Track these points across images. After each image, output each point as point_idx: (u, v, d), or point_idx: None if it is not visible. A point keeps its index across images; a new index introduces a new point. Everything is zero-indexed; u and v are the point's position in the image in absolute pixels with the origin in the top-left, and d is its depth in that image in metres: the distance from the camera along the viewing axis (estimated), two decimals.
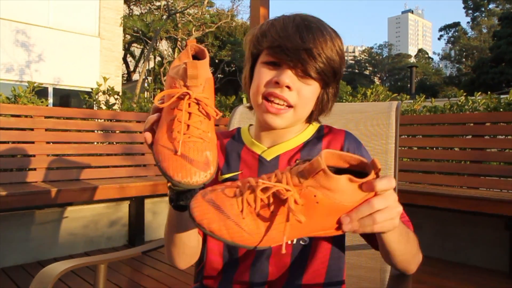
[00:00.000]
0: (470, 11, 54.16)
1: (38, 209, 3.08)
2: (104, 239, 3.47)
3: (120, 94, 4.17)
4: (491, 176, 3.12)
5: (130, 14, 17.88)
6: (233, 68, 21.27)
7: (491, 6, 51.06)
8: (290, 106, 0.87)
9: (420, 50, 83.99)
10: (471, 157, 3.20)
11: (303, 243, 0.91)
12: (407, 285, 0.90)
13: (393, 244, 0.76)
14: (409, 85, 21.43)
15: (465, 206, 2.74)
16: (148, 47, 15.37)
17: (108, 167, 3.34)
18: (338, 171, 0.61)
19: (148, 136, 0.71)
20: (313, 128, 0.98)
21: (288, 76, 0.84)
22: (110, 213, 3.53)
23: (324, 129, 0.98)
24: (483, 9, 52.77)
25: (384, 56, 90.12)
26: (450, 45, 60.09)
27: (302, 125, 0.97)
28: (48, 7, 11.92)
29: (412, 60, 79.35)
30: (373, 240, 0.92)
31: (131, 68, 21.76)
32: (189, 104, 0.70)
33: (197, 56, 0.79)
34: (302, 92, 0.86)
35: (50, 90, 11.78)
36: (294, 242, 0.90)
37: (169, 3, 14.62)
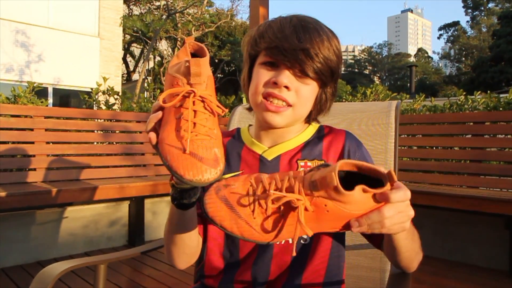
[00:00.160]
0: (470, 10, 54.18)
1: (38, 209, 3.08)
2: (104, 239, 3.48)
3: (120, 94, 4.17)
4: (491, 175, 3.12)
5: (130, 14, 17.88)
6: (233, 68, 21.27)
7: (490, 5, 51.07)
8: (289, 105, 0.87)
9: (419, 49, 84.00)
10: (470, 156, 3.20)
11: (303, 242, 0.91)
12: (406, 285, 0.90)
13: (400, 241, 0.78)
14: (408, 84, 21.43)
15: (465, 206, 2.74)
16: (147, 47, 15.37)
17: (108, 167, 3.34)
18: (350, 173, 0.61)
19: (153, 136, 0.71)
20: (313, 128, 0.98)
21: (286, 76, 0.85)
22: (110, 213, 3.53)
23: (325, 129, 0.99)
24: (482, 8, 52.78)
25: (383, 55, 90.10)
26: (449, 44, 60.10)
27: (301, 125, 0.97)
28: (48, 7, 11.91)
29: (412, 59, 79.37)
30: (375, 239, 0.92)
31: (131, 68, 21.76)
32: (194, 102, 0.70)
33: (195, 54, 0.79)
34: (301, 91, 0.87)
35: (50, 90, 11.78)
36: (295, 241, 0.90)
37: (169, 3, 14.61)
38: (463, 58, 55.17)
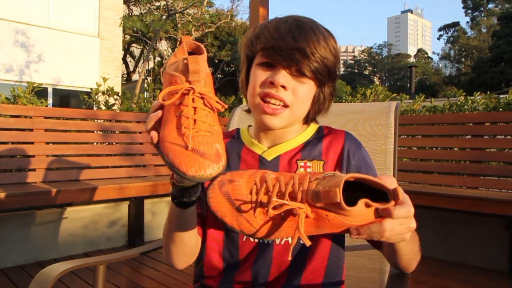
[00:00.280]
0: (470, 11, 54.21)
1: (37, 209, 3.08)
2: (104, 240, 3.47)
3: (120, 94, 4.17)
4: (490, 176, 3.12)
5: (130, 14, 17.88)
6: (233, 68, 21.29)
7: (490, 5, 51.11)
8: (286, 105, 0.87)
9: (419, 50, 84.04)
10: (470, 157, 3.20)
11: (302, 242, 0.91)
12: (406, 285, 0.91)
13: (401, 246, 0.78)
14: (408, 85, 21.44)
15: (465, 206, 2.74)
16: (147, 47, 15.38)
17: (107, 167, 3.33)
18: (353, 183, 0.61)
19: (154, 135, 0.71)
20: (312, 128, 0.98)
21: (283, 76, 0.85)
22: (110, 213, 3.52)
23: (324, 130, 0.99)
24: (482, 9, 52.82)
25: (383, 56, 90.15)
26: (449, 44, 60.14)
27: (300, 126, 0.97)
28: (48, 8, 11.91)
29: (412, 60, 79.41)
30: (374, 240, 0.92)
31: (131, 68, 21.75)
32: (193, 99, 0.70)
33: (193, 53, 0.79)
34: (298, 91, 0.87)
35: (50, 91, 11.77)
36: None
37: (169, 3, 14.62)
38: (463, 59, 55.20)
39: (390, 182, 0.61)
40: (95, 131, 3.44)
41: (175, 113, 0.70)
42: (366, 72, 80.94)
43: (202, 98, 0.71)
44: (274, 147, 0.95)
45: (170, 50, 18.07)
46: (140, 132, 3.61)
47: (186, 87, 0.70)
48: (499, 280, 2.83)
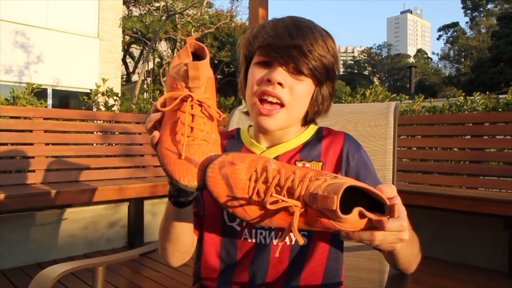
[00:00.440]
0: (469, 11, 54.23)
1: (37, 210, 3.08)
2: (104, 241, 3.47)
3: (119, 95, 4.16)
4: (490, 176, 3.12)
5: (129, 15, 17.89)
6: (232, 69, 21.28)
7: (489, 6, 51.14)
8: (282, 105, 0.87)
9: (419, 50, 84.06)
10: (470, 157, 3.20)
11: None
12: (405, 286, 0.91)
13: (398, 250, 0.78)
14: (408, 85, 21.45)
15: (464, 206, 2.74)
16: (147, 48, 15.37)
17: (107, 168, 3.33)
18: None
19: (156, 134, 0.72)
20: (311, 129, 0.98)
21: (280, 73, 0.85)
22: (110, 214, 3.52)
23: (323, 131, 0.98)
24: (481, 9, 52.84)
25: (383, 56, 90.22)
26: (449, 45, 60.19)
27: (299, 127, 0.97)
28: (47, 8, 11.91)
29: (411, 60, 79.43)
30: None
31: (130, 69, 21.75)
32: (191, 106, 0.70)
33: (196, 53, 0.79)
34: (295, 89, 0.86)
35: (49, 92, 11.77)
36: (293, 242, 0.90)
37: (168, 4, 14.62)
38: (462, 59, 55.23)
39: (390, 191, 0.61)
40: (95, 132, 3.44)
41: (173, 118, 0.71)
42: (366, 73, 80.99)
43: (200, 105, 0.71)
44: (273, 148, 0.95)
45: (170, 51, 18.06)
46: (139, 133, 3.61)
47: (185, 94, 0.69)
48: (499, 280, 2.83)
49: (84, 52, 12.51)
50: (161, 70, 14.88)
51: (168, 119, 0.72)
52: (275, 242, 0.90)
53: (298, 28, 0.85)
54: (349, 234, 0.62)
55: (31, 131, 3.02)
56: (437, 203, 2.87)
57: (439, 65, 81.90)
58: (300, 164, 0.92)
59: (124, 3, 16.68)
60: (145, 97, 5.12)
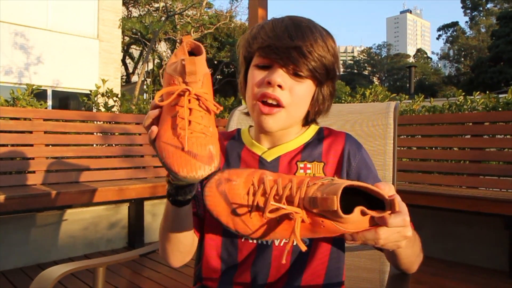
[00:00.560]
0: (469, 11, 54.27)
1: (37, 212, 3.08)
2: (104, 241, 3.47)
3: (119, 96, 4.16)
4: (490, 175, 3.12)
5: (129, 15, 17.89)
6: (232, 69, 21.27)
7: (489, 5, 51.17)
8: (282, 106, 0.86)
9: (418, 50, 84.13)
10: (470, 157, 3.20)
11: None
12: (406, 286, 0.91)
13: (400, 250, 0.78)
14: (408, 85, 21.46)
15: (465, 206, 2.74)
16: (147, 49, 15.38)
17: (107, 169, 3.33)
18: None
19: (154, 129, 0.72)
20: (312, 130, 0.98)
21: (280, 75, 0.84)
22: (110, 215, 3.52)
23: (324, 131, 0.98)
24: (481, 9, 52.87)
25: (383, 56, 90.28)
26: (448, 44, 60.24)
27: (300, 127, 0.97)
28: (47, 9, 11.91)
29: (411, 60, 79.48)
30: None
31: (130, 70, 21.75)
32: (189, 100, 0.71)
33: (193, 52, 0.80)
34: (295, 90, 0.86)
35: (49, 93, 11.77)
36: (294, 243, 0.90)
37: (168, 4, 14.62)
38: (462, 59, 55.25)
39: (388, 189, 0.61)
40: (95, 133, 3.44)
41: (171, 113, 0.71)
42: (366, 73, 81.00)
43: (197, 99, 0.72)
44: (274, 148, 0.95)
45: (170, 52, 18.07)
46: (139, 134, 3.61)
47: (182, 88, 0.70)
48: (499, 280, 2.83)
49: (84, 53, 12.51)
50: (160, 71, 14.90)
51: (166, 114, 0.73)
52: (276, 242, 0.90)
53: (298, 29, 0.84)
54: (353, 235, 0.62)
55: (31, 132, 3.02)
56: (437, 203, 2.87)
57: (439, 65, 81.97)
58: (301, 165, 0.92)
59: (124, 4, 16.69)
60: (145, 97, 5.12)
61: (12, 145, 2.95)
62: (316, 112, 0.94)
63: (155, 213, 3.78)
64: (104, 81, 4.03)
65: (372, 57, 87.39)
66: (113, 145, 3.49)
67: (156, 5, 16.07)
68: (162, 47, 18.65)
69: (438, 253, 3.30)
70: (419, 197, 2.93)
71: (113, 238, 3.53)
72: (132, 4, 18.25)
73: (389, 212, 0.59)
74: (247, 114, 0.98)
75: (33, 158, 2.97)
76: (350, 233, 0.62)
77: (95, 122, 3.50)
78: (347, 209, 0.59)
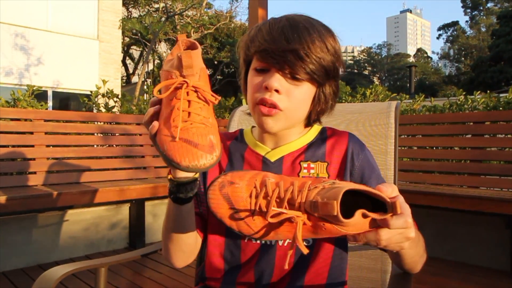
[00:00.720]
0: (469, 10, 54.26)
1: (38, 212, 3.08)
2: (105, 242, 3.47)
3: (120, 96, 4.17)
4: (491, 175, 3.12)
5: (129, 16, 17.90)
6: (232, 70, 21.26)
7: (489, 4, 51.15)
8: (280, 109, 0.85)
9: (419, 50, 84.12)
10: (471, 156, 3.20)
11: (306, 244, 0.91)
12: (408, 286, 0.90)
13: (403, 250, 0.78)
14: (408, 85, 21.45)
15: (466, 206, 2.73)
16: (147, 49, 15.38)
17: (108, 169, 3.33)
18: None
19: (155, 123, 0.72)
20: (315, 130, 0.98)
21: (276, 80, 0.83)
22: (111, 215, 3.52)
23: (327, 131, 0.98)
24: (481, 8, 52.86)
25: (383, 56, 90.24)
26: (449, 44, 60.21)
27: (303, 127, 0.97)
28: (47, 10, 11.92)
29: (411, 59, 79.46)
30: None
31: (130, 71, 21.76)
32: (187, 92, 0.72)
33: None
34: (292, 94, 0.85)
35: (50, 93, 11.78)
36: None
37: (168, 5, 14.63)
38: (463, 58, 55.23)
39: (390, 191, 0.61)
40: (95, 134, 3.44)
41: (170, 107, 0.72)
42: (366, 72, 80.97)
43: (196, 91, 0.72)
44: (277, 148, 0.94)
45: (170, 52, 18.05)
46: (140, 134, 3.61)
47: (180, 80, 0.71)
48: (500, 279, 2.83)
49: (84, 54, 12.52)
50: (161, 71, 14.90)
51: (165, 109, 0.73)
52: (280, 243, 0.90)
53: (294, 30, 0.83)
54: (355, 236, 0.62)
55: (31, 133, 3.02)
56: (438, 203, 2.86)
57: (439, 64, 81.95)
58: (305, 165, 0.91)
59: (124, 4, 16.70)
60: (145, 98, 5.12)
61: (13, 146, 2.95)
62: (319, 112, 0.93)
63: (156, 213, 3.78)
64: (104, 81, 4.04)
65: (372, 57, 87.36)
66: (114, 145, 3.50)
67: (156, 5, 16.08)
68: (162, 47, 18.67)
69: (439, 253, 3.30)
70: (420, 196, 2.92)
71: (114, 239, 3.53)
72: (132, 5, 18.26)
73: (391, 214, 0.59)
74: (249, 114, 0.98)
75: (34, 159, 2.98)
76: (351, 235, 0.62)
77: (96, 122, 3.50)
78: (349, 210, 0.59)
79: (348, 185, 0.59)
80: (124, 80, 20.65)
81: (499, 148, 3.14)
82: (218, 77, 19.99)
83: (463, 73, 48.99)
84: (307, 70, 0.83)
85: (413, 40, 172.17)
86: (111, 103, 3.99)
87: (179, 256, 0.92)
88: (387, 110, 1.27)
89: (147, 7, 17.01)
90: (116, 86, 12.77)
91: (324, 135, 0.96)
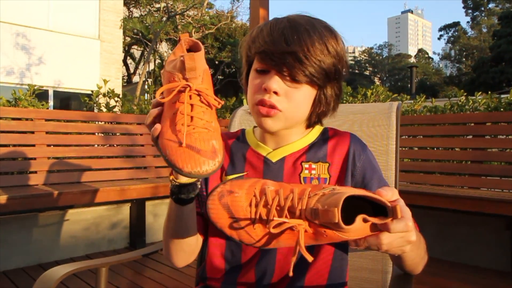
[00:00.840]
0: (470, 11, 54.22)
1: (39, 212, 3.08)
2: (106, 242, 3.47)
3: (121, 96, 4.17)
4: (492, 176, 3.12)
5: (130, 16, 17.90)
6: (233, 70, 21.26)
7: (490, 5, 51.10)
8: (279, 110, 0.85)
9: (420, 50, 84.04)
10: (472, 157, 3.20)
11: (306, 244, 0.91)
12: (408, 287, 0.90)
13: (404, 254, 0.78)
14: (409, 85, 21.43)
15: (466, 206, 2.73)
16: (148, 49, 15.40)
17: (108, 169, 3.33)
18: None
19: (158, 126, 0.71)
20: (317, 130, 0.98)
21: (275, 82, 0.83)
22: (111, 215, 3.53)
23: (329, 132, 0.97)
24: (482, 9, 52.82)
25: (384, 56, 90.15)
26: (450, 44, 60.15)
27: (304, 128, 0.96)
28: (48, 10, 11.93)
29: (412, 60, 79.35)
30: None
31: (131, 70, 21.77)
32: (190, 96, 0.71)
33: (191, 50, 0.80)
34: (292, 96, 0.85)
35: (51, 93, 11.79)
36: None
37: (169, 5, 14.64)
38: (464, 59, 55.16)
39: (390, 194, 0.61)
40: (96, 133, 3.45)
41: (172, 110, 0.71)
42: (367, 73, 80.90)
43: (198, 95, 0.72)
44: (279, 149, 0.94)
45: (171, 52, 18.04)
46: (141, 134, 3.61)
47: (182, 84, 0.70)
48: (500, 280, 2.82)
49: (85, 54, 12.53)
50: (162, 71, 14.92)
51: (167, 112, 0.72)
52: None
53: (295, 32, 0.82)
54: (356, 241, 0.62)
55: (32, 132, 3.02)
56: (439, 203, 2.86)
57: (440, 65, 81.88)
58: (306, 165, 0.91)
59: (125, 4, 16.70)
60: (146, 98, 5.13)
61: (14, 146, 2.95)
62: (320, 113, 0.92)
63: (157, 213, 3.78)
64: (105, 81, 4.04)
65: (373, 57, 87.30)
66: (115, 145, 3.50)
67: (157, 5, 16.09)
68: (163, 47, 18.68)
69: (440, 254, 3.30)
70: (421, 197, 2.92)
71: (115, 238, 3.54)
72: (133, 5, 18.27)
73: (391, 218, 0.59)
74: (250, 113, 0.98)
75: (34, 159, 2.98)
76: (353, 240, 0.62)
77: (97, 122, 3.51)
78: (350, 214, 0.59)
79: (348, 191, 0.59)
80: (125, 80, 20.66)
81: (500, 149, 3.14)
82: (219, 77, 19.98)
83: (464, 73, 48.96)
84: (306, 73, 0.82)
85: (414, 40, 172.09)
86: (112, 102, 4.00)
87: (180, 256, 0.92)
88: (388, 111, 1.27)
89: (148, 7, 17.02)
90: (117, 86, 12.78)
91: (326, 136, 0.96)
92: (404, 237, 0.61)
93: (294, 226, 0.62)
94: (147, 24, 14.07)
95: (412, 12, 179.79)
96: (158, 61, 19.22)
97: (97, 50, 12.86)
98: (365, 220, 0.58)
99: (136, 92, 12.07)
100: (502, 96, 3.55)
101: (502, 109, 3.33)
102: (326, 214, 0.58)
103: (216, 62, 18.73)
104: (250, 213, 0.67)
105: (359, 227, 0.59)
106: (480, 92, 3.81)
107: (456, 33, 57.82)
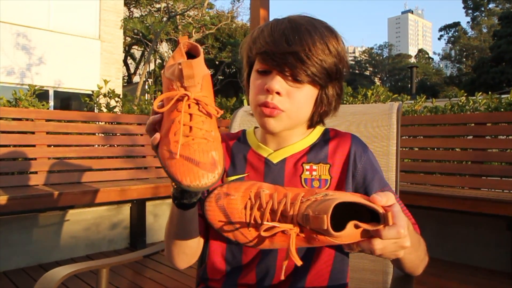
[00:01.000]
0: (470, 11, 54.17)
1: (39, 212, 3.08)
2: (106, 242, 3.47)
3: (121, 96, 4.17)
4: (492, 176, 3.11)
5: (130, 16, 17.90)
6: (234, 70, 21.25)
7: (491, 5, 51.07)
8: (282, 110, 0.86)
9: (420, 50, 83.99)
10: (472, 158, 3.20)
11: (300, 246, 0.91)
12: (409, 287, 0.90)
13: (403, 257, 0.78)
14: (409, 86, 21.43)
15: (467, 207, 2.73)
16: (148, 49, 15.39)
17: (109, 169, 3.33)
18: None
19: (157, 136, 0.71)
20: (318, 131, 0.98)
21: (277, 82, 0.83)
22: (112, 215, 3.53)
23: (330, 133, 0.97)
24: (483, 9, 52.78)
25: (384, 56, 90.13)
26: (450, 45, 60.11)
27: (305, 129, 0.96)
28: (49, 10, 11.93)
29: (413, 60, 79.31)
30: None
31: (132, 71, 21.77)
32: (189, 105, 0.69)
33: (191, 53, 0.78)
34: (294, 96, 0.85)
35: (51, 93, 11.79)
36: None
37: (169, 5, 14.63)
38: (464, 59, 55.13)
39: (385, 200, 0.61)
40: (97, 134, 3.45)
41: (171, 119, 0.70)
42: (367, 73, 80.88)
43: (197, 104, 0.70)
44: (280, 150, 0.94)
45: (171, 52, 18.06)
46: (141, 134, 3.61)
47: (181, 93, 0.69)
48: (501, 281, 2.82)
49: (86, 54, 12.53)
50: (162, 71, 14.92)
51: (166, 120, 0.71)
52: None
53: (296, 32, 0.83)
54: (350, 245, 0.63)
55: (33, 132, 3.02)
56: (439, 204, 2.86)
57: (441, 65, 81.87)
58: (307, 167, 0.91)
59: (125, 4, 16.70)
60: (146, 98, 5.13)
61: (14, 146, 2.96)
62: (322, 113, 0.92)
63: (157, 213, 3.78)
64: (106, 81, 4.04)
65: (374, 57, 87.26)
66: (115, 145, 3.50)
67: (158, 5, 16.09)
68: (164, 47, 18.66)
69: (440, 254, 3.29)
70: (421, 197, 2.92)
71: (115, 239, 3.54)
72: (133, 5, 18.26)
73: (383, 225, 0.59)
74: (252, 115, 0.98)
75: (35, 159, 2.98)
76: (346, 244, 0.63)
77: (97, 122, 3.51)
78: (345, 216, 0.59)
79: (340, 197, 0.59)
80: (126, 80, 20.65)
81: (501, 149, 3.14)
82: (219, 77, 19.97)
83: (465, 74, 48.91)
84: (308, 72, 0.82)
85: (414, 40, 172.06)
86: (113, 103, 4.00)
87: (182, 258, 0.92)
88: (389, 112, 1.27)
89: (149, 7, 17.02)
90: (118, 86, 12.78)
91: (327, 137, 0.96)
92: (398, 243, 0.61)
93: (286, 230, 0.64)
94: (147, 24, 14.06)
95: (412, 12, 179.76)
96: (158, 61, 19.22)
97: (97, 50, 12.86)
98: (356, 226, 0.59)
99: (137, 93, 12.07)
100: (503, 96, 3.55)
101: (502, 110, 3.33)
102: (316, 220, 0.58)
103: (217, 62, 18.72)
104: (245, 216, 0.69)
105: (350, 233, 0.59)
106: (480, 93, 3.81)
107: (456, 33, 57.79)
